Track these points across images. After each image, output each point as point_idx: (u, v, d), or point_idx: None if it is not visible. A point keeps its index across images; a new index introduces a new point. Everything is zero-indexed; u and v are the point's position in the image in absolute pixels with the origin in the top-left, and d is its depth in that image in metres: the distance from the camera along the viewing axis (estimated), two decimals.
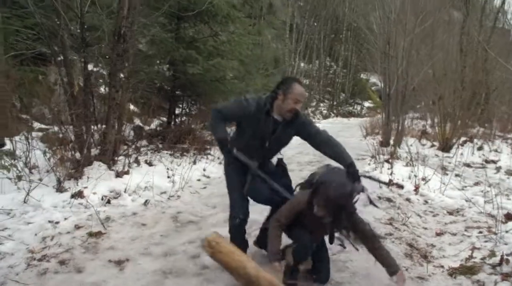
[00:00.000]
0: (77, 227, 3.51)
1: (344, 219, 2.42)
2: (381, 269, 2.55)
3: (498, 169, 7.89)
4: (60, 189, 4.12)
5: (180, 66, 6.87)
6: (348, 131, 15.55)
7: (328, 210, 2.33)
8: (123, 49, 5.09)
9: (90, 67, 5.45)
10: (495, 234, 3.61)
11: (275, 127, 2.72)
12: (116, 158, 5.32)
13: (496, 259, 2.90)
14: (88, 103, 5.09)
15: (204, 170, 6.02)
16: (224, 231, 3.09)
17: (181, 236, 3.53)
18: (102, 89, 7.34)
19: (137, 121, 8.18)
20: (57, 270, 2.73)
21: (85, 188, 4.20)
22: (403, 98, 9.54)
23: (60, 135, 4.85)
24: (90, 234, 3.37)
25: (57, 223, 3.51)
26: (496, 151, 10.01)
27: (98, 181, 4.44)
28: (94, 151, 5.28)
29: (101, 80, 7.24)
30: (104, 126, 5.26)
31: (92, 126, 5.23)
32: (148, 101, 7.81)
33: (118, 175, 4.86)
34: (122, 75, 5.36)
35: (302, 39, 20.82)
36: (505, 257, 2.80)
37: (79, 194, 4.02)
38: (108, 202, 4.17)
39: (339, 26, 25.13)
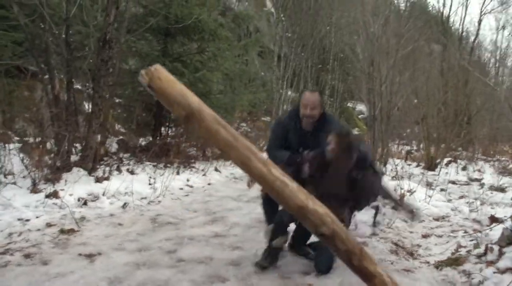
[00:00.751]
0: (49, 225, 3.34)
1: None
2: None
3: (482, 185, 7.92)
4: (34, 190, 3.96)
5: None
6: None
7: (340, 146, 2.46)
8: (108, 55, 5.08)
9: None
10: (480, 232, 3.55)
11: (302, 138, 2.86)
12: (97, 166, 5.18)
13: (481, 250, 2.83)
14: (70, 107, 5.01)
15: (187, 180, 5.91)
16: (203, 231, 2.99)
17: (157, 234, 3.38)
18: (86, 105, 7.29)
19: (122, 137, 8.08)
20: (20, 263, 2.55)
21: (62, 190, 4.05)
22: (388, 118, 9.69)
23: (39, 139, 4.73)
24: (62, 231, 3.20)
25: (27, 220, 3.34)
26: (479, 170, 10.12)
27: (76, 184, 4.29)
28: (75, 158, 5.15)
29: (85, 94, 7.20)
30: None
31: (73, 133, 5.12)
32: (132, 117, 7.77)
33: (98, 180, 4.71)
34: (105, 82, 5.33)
35: (290, 67, 21.23)
36: (489, 245, 2.73)
37: (54, 194, 3.86)
38: (85, 203, 4.02)
39: (326, 56, 25.80)
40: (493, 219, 4.00)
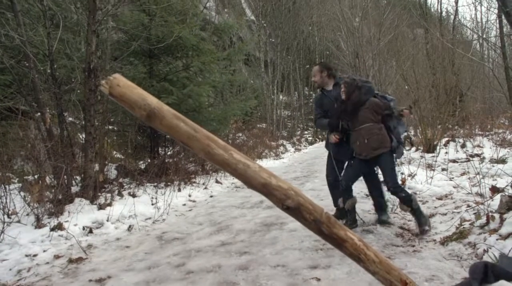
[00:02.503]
0: (57, 257, 3.36)
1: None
2: None
3: (482, 160, 7.93)
4: (39, 225, 3.98)
5: None
6: None
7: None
8: (95, 84, 5.14)
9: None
10: (482, 204, 3.57)
11: (325, 99, 3.98)
12: (98, 193, 5.21)
13: (483, 220, 2.86)
14: (65, 140, 5.06)
15: (189, 195, 5.93)
16: (209, 242, 3.00)
17: (165, 251, 3.40)
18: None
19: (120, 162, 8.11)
20: None
21: (66, 221, 4.07)
22: None
23: (38, 175, 4.76)
24: (70, 261, 3.22)
25: (35, 256, 3.36)
26: (478, 146, 10.13)
27: (79, 214, 4.32)
28: (75, 189, 5.18)
29: (78, 125, 7.26)
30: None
31: (70, 165, 5.16)
32: (127, 142, 7.80)
33: (101, 207, 4.74)
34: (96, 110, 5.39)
35: (278, 71, 21.36)
36: (490, 214, 2.76)
37: (58, 227, 3.88)
38: (90, 231, 4.03)
39: (312, 56, 26.02)
40: (494, 190, 4.02)
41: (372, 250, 0.67)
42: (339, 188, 3.71)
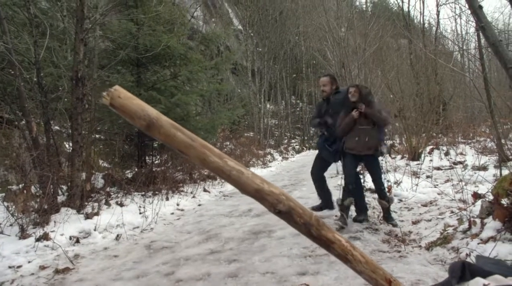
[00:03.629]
0: (42, 268, 3.31)
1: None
2: None
3: (465, 167, 8.12)
4: (23, 236, 3.91)
5: None
6: None
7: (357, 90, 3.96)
8: (82, 92, 5.13)
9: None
10: (465, 209, 3.67)
11: (326, 104, 4.55)
12: (85, 203, 5.16)
13: (466, 225, 2.94)
14: (51, 148, 5.01)
15: (177, 204, 5.91)
16: (198, 250, 2.98)
17: (154, 260, 3.39)
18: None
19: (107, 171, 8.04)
20: None
21: (52, 231, 4.02)
22: None
23: (22, 184, 4.69)
24: (57, 271, 3.18)
25: (19, 267, 3.31)
26: (461, 153, 10.37)
27: (65, 224, 4.27)
28: (62, 198, 5.11)
29: (64, 134, 7.19)
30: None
31: (56, 174, 5.10)
32: (114, 150, 7.75)
33: (88, 216, 4.68)
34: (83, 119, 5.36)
35: (265, 80, 21.52)
36: (472, 219, 2.85)
37: (44, 237, 3.83)
38: (77, 241, 3.99)
39: (299, 65, 26.33)
40: (476, 196, 4.13)
41: (358, 250, 0.71)
42: (319, 183, 4.73)
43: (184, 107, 7.03)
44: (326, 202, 4.82)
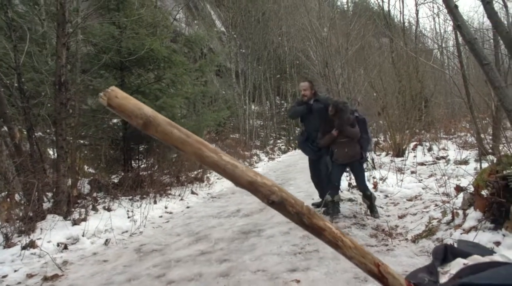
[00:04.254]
0: (30, 276, 3.26)
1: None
2: None
3: (448, 162, 8.33)
4: (8, 244, 3.85)
5: None
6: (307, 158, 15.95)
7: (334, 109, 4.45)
8: (66, 97, 5.07)
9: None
10: (448, 202, 3.78)
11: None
12: (72, 209, 5.09)
13: (449, 217, 3.03)
14: (35, 155, 4.93)
15: (166, 207, 5.88)
16: (189, 252, 2.98)
17: (144, 263, 3.38)
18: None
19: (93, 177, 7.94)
20: None
21: (39, 238, 3.96)
22: None
23: (6, 192, 4.61)
24: (45, 278, 3.14)
25: (4, 277, 3.25)
26: (444, 148, 10.60)
27: (52, 230, 4.21)
28: (47, 205, 5.04)
29: (48, 140, 7.08)
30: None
31: (41, 181, 5.03)
32: (100, 156, 7.67)
33: (75, 222, 4.63)
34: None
35: (249, 81, 21.57)
36: (455, 211, 2.94)
37: (31, 244, 3.77)
38: (65, 247, 3.94)
39: (283, 65, 26.46)
40: (458, 189, 4.25)
41: (348, 237, 0.75)
42: (322, 185, 4.99)
43: (169, 110, 7.00)
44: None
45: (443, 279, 0.77)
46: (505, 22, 5.07)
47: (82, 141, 7.79)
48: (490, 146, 7.74)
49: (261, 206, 5.31)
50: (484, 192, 2.78)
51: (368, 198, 4.52)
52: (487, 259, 0.82)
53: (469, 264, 0.82)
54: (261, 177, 0.71)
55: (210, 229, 4.34)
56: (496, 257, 0.84)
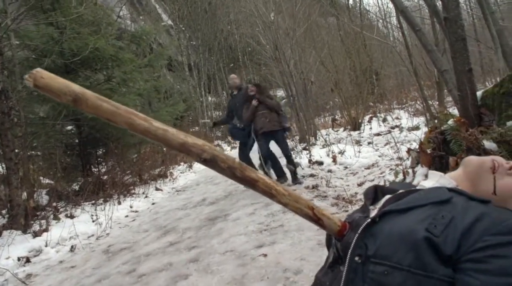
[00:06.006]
0: None
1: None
2: None
3: (401, 130, 8.75)
4: None
5: (82, 120, 6.70)
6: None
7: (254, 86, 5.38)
8: (7, 106, 4.82)
9: None
10: (401, 165, 4.01)
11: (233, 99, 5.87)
12: (30, 221, 4.89)
13: (401, 177, 3.22)
14: None
15: (131, 206, 5.79)
16: (158, 245, 2.97)
17: (113, 262, 3.34)
18: None
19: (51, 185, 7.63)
20: None
21: None
22: (305, 94, 10.24)
23: None
24: None
25: None
26: (397, 118, 11.11)
27: (11, 246, 4.04)
28: (2, 221, 4.81)
29: None
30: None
31: None
32: (55, 164, 7.36)
33: (36, 234, 4.45)
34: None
35: (203, 73, 21.34)
36: (405, 170, 3.12)
37: None
38: (28, 261, 3.80)
39: (235, 54, 26.35)
40: (409, 151, 4.51)
41: (281, 186, 0.81)
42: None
43: None
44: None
45: (373, 213, 0.85)
46: None
47: (33, 152, 7.46)
48: (437, 110, 8.20)
49: (226, 192, 5.37)
50: (428, 149, 2.98)
51: (292, 163, 5.23)
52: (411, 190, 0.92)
53: (392, 195, 0.92)
54: (191, 138, 0.75)
55: (177, 221, 4.34)
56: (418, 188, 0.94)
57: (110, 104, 0.73)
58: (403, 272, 0.71)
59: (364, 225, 0.82)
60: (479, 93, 2.82)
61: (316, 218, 0.83)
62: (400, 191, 0.92)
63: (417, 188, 0.95)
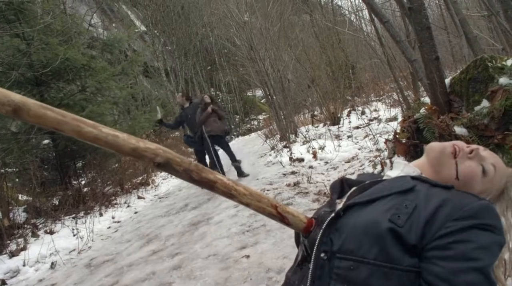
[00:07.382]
0: None
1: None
2: None
3: (379, 121, 8.87)
4: None
5: (57, 133, 6.52)
6: (251, 143, 16.11)
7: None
8: None
9: None
10: (379, 156, 4.05)
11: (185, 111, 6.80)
12: (6, 241, 4.73)
13: (379, 168, 3.25)
14: None
15: (113, 217, 5.68)
16: (140, 254, 2.91)
17: (96, 275, 3.26)
18: None
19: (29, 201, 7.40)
20: None
21: None
22: (283, 92, 10.27)
23: None
24: None
25: None
26: (375, 110, 11.26)
27: None
28: None
29: None
30: None
31: None
32: (31, 180, 7.16)
33: (13, 254, 4.31)
34: None
35: (180, 77, 21.17)
36: (383, 161, 3.15)
37: None
38: (3, 283, 3.67)
39: (211, 56, 26.20)
40: (387, 142, 4.57)
41: (241, 185, 0.78)
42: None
43: (99, 118, 6.69)
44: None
45: (339, 207, 0.84)
46: None
47: (7, 169, 7.23)
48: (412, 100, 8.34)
49: (208, 196, 5.31)
50: (403, 139, 3.01)
51: (235, 162, 6.35)
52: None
53: (356, 187, 0.91)
54: (143, 142, 0.72)
55: (160, 228, 4.27)
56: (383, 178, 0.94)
57: (55, 112, 0.69)
58: (369, 265, 0.70)
59: (328, 220, 0.81)
60: (447, 81, 2.87)
61: (280, 216, 0.81)
62: (366, 182, 0.92)
63: (383, 178, 0.94)
